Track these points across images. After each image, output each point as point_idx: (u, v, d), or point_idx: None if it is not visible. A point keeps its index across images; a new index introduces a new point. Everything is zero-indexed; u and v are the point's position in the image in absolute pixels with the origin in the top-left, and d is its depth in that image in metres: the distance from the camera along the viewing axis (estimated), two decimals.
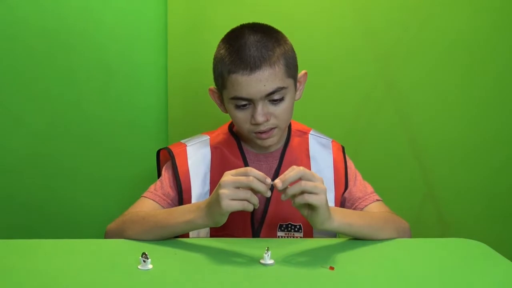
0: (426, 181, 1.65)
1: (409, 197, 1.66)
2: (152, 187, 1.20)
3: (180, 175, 1.17)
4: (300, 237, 1.18)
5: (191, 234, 1.17)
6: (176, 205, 1.18)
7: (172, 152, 1.20)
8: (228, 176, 0.96)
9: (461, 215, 1.67)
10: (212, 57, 1.18)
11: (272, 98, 1.10)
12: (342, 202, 1.22)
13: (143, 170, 1.56)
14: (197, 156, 1.19)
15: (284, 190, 0.96)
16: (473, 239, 1.11)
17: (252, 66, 1.07)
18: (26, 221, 1.59)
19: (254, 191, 0.95)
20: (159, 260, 0.95)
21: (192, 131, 1.30)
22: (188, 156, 1.19)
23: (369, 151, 1.61)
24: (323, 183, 0.96)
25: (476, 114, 1.63)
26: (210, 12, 1.51)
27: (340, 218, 1.03)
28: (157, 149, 1.27)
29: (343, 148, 1.27)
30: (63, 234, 1.53)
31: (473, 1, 1.55)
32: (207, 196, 1.17)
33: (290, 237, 1.18)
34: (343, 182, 1.22)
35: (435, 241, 1.12)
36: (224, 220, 0.98)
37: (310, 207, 0.97)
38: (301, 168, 0.95)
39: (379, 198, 1.22)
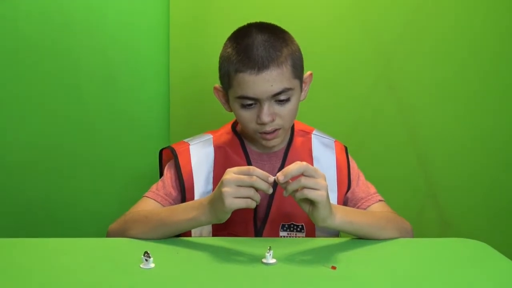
0: (427, 181, 1.65)
1: (411, 197, 1.65)
2: (154, 187, 1.20)
3: (183, 174, 1.17)
4: (302, 237, 1.18)
5: (193, 233, 1.17)
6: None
7: (175, 151, 1.20)
8: (230, 174, 0.96)
9: (462, 215, 1.67)
10: (214, 55, 1.18)
11: (279, 98, 1.10)
12: (344, 202, 1.22)
13: (145, 169, 1.56)
14: (200, 155, 1.19)
15: (286, 185, 0.96)
16: (474, 239, 1.11)
17: (260, 66, 1.07)
18: (28, 220, 1.59)
19: (256, 188, 0.96)
20: (161, 259, 0.95)
21: (194, 130, 1.30)
22: (191, 155, 1.19)
23: (370, 150, 1.61)
24: (325, 180, 0.96)
25: (478, 114, 1.63)
26: (212, 10, 1.51)
27: (342, 216, 1.03)
28: (159, 148, 1.27)
29: (346, 148, 1.27)
30: (65, 233, 1.54)
31: (474, 2, 1.55)
32: None
33: (293, 237, 1.18)
34: (345, 182, 1.23)
35: (436, 241, 1.12)
36: (226, 217, 0.99)
37: (311, 203, 0.97)
38: (304, 163, 0.95)
39: (381, 199, 1.22)
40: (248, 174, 0.95)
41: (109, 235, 1.13)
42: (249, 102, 1.10)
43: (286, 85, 1.09)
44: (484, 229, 1.65)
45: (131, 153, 1.58)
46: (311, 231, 1.18)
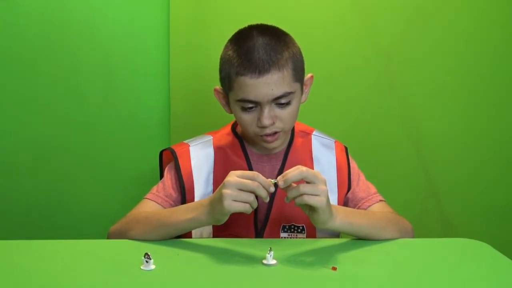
0: (428, 181, 1.65)
1: (412, 196, 1.65)
2: (154, 189, 1.20)
3: (183, 175, 1.17)
4: (303, 238, 1.18)
5: (194, 234, 1.17)
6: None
7: (175, 152, 1.20)
8: (233, 177, 0.96)
9: (463, 215, 1.67)
10: (214, 56, 1.17)
11: (279, 102, 1.09)
12: (345, 203, 1.22)
13: (146, 170, 1.56)
14: (200, 157, 1.19)
15: (287, 189, 0.96)
16: (475, 239, 1.11)
17: (261, 69, 1.06)
18: (28, 222, 1.59)
19: (256, 195, 0.96)
20: (162, 260, 0.95)
21: (195, 132, 1.30)
22: (191, 156, 1.19)
23: (371, 151, 1.61)
24: (325, 184, 0.96)
25: (479, 113, 1.63)
26: (212, 10, 1.51)
27: (342, 217, 1.03)
28: (160, 149, 1.27)
29: (346, 148, 1.27)
30: (66, 235, 1.54)
31: (474, 2, 1.55)
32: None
33: (293, 238, 1.18)
34: (346, 183, 1.22)
35: (437, 241, 1.12)
36: (224, 219, 0.99)
37: (311, 207, 0.97)
38: (304, 169, 0.95)
39: (382, 199, 1.21)
40: (252, 179, 0.95)
41: (109, 236, 1.13)
42: (250, 105, 1.10)
43: (287, 89, 1.09)
44: (485, 229, 1.65)
45: (131, 154, 1.58)
46: (311, 232, 1.18)
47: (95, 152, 1.57)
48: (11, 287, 0.86)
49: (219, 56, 1.16)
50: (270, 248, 0.96)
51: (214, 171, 1.18)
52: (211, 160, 1.19)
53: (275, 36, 1.11)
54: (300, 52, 1.15)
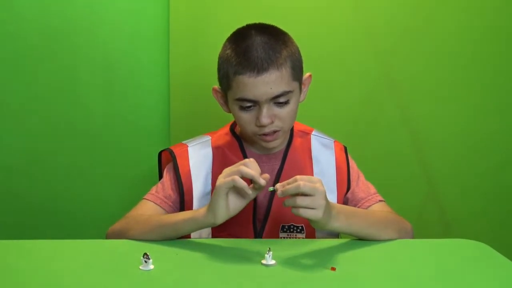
0: (428, 181, 1.65)
1: (411, 196, 1.65)
2: (153, 189, 1.20)
3: (181, 176, 1.17)
4: (302, 238, 1.18)
5: (193, 234, 1.16)
6: (177, 207, 1.18)
7: (173, 152, 1.20)
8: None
9: (463, 215, 1.67)
10: (214, 56, 1.17)
11: (278, 101, 1.09)
12: (344, 203, 1.22)
13: (145, 170, 1.56)
14: (198, 157, 1.19)
15: (285, 199, 0.97)
16: (475, 239, 1.11)
17: (259, 68, 1.06)
18: (27, 222, 1.59)
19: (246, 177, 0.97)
20: (161, 260, 0.95)
21: (194, 131, 1.30)
22: (190, 156, 1.19)
23: (370, 150, 1.61)
24: (324, 198, 0.96)
25: (478, 113, 1.63)
26: (212, 10, 1.51)
27: (342, 219, 1.03)
28: (159, 150, 1.27)
29: (345, 148, 1.27)
30: (64, 235, 1.54)
31: (474, 1, 1.55)
32: (209, 197, 1.17)
33: (292, 238, 1.18)
34: (345, 183, 1.22)
35: (436, 241, 1.12)
36: (222, 212, 0.98)
37: None
38: (302, 183, 0.94)
39: (382, 199, 1.21)
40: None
41: (108, 236, 1.13)
42: (248, 104, 1.10)
43: (285, 88, 1.09)
44: (485, 230, 1.65)
45: (131, 155, 1.58)
46: (311, 232, 1.18)
47: (94, 152, 1.57)
48: (10, 286, 0.86)
49: (218, 57, 1.16)
50: (269, 248, 0.96)
51: (212, 171, 1.18)
52: (210, 160, 1.19)
53: (273, 35, 1.11)
54: (299, 51, 1.15)
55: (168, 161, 1.23)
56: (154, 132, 1.58)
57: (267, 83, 1.07)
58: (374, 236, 1.08)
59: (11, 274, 0.90)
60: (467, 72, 1.60)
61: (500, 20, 1.57)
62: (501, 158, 1.66)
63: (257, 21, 1.17)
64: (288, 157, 1.20)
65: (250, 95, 1.08)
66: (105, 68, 1.53)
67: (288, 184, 0.96)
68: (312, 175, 1.20)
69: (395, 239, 1.10)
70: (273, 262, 0.96)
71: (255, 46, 1.08)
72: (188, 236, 1.15)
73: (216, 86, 1.19)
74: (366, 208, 1.19)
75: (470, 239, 1.12)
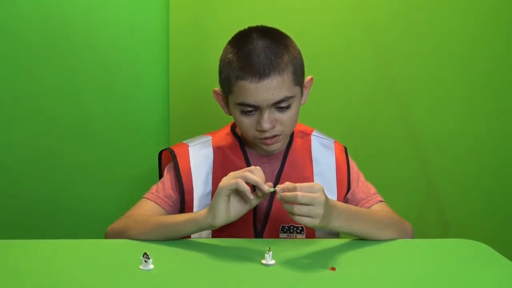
0: (427, 181, 1.65)
1: (411, 196, 1.65)
2: (154, 188, 1.20)
3: (182, 176, 1.17)
4: (302, 238, 1.18)
5: (192, 235, 1.16)
6: (177, 207, 1.18)
7: (174, 152, 1.20)
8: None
9: (462, 215, 1.67)
10: (214, 55, 1.17)
11: (279, 105, 1.09)
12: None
13: (145, 170, 1.56)
14: (199, 157, 1.19)
15: (283, 204, 0.97)
16: (474, 239, 1.11)
17: (261, 74, 1.06)
18: (27, 221, 1.59)
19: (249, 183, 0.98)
20: (161, 260, 0.95)
21: (194, 132, 1.30)
22: (190, 156, 1.19)
23: (370, 150, 1.61)
24: (322, 208, 0.95)
25: (478, 113, 1.63)
26: (211, 10, 1.51)
27: (343, 220, 1.03)
28: (159, 149, 1.26)
29: (345, 149, 1.27)
30: (64, 234, 1.54)
31: (474, 1, 1.55)
32: (209, 197, 1.17)
33: (292, 238, 1.18)
34: (345, 183, 1.22)
35: (436, 241, 1.12)
36: (221, 215, 0.98)
37: None
38: (299, 195, 0.94)
39: (382, 199, 1.21)
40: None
41: (108, 235, 1.13)
42: (249, 108, 1.10)
43: (286, 93, 1.09)
44: (484, 230, 1.65)
45: (131, 155, 1.58)
46: (311, 232, 1.18)
47: (94, 152, 1.57)
48: (10, 286, 0.86)
49: (218, 57, 1.16)
50: (269, 248, 0.96)
51: (213, 171, 1.18)
52: (210, 160, 1.19)
53: (275, 39, 1.10)
54: (300, 55, 1.14)
55: (169, 160, 1.23)
56: (154, 132, 1.58)
57: (268, 88, 1.06)
58: (374, 236, 1.08)
59: (11, 274, 0.90)
60: (466, 72, 1.60)
61: (500, 20, 1.57)
62: (501, 158, 1.66)
63: (257, 21, 1.16)
64: (288, 158, 1.20)
65: (251, 100, 1.08)
66: (105, 68, 1.53)
67: (288, 190, 0.96)
68: (312, 175, 1.20)
69: (395, 239, 1.10)
70: (273, 262, 0.96)
71: (256, 51, 1.07)
72: (188, 236, 1.15)
73: (217, 88, 1.18)
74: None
75: (470, 239, 1.12)
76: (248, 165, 1.18)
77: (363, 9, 1.53)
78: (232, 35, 1.16)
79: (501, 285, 0.92)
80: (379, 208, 1.19)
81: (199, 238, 1.16)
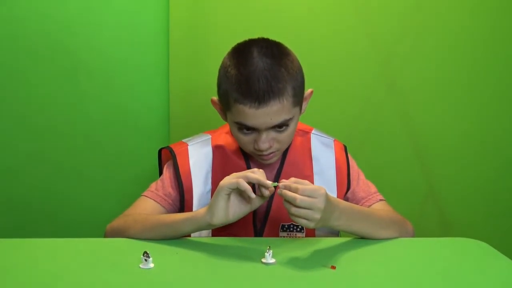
0: (427, 181, 1.65)
1: (411, 196, 1.65)
2: (153, 186, 1.20)
3: (181, 175, 1.17)
4: (302, 237, 1.18)
5: (192, 234, 1.16)
6: (177, 205, 1.18)
7: (173, 151, 1.20)
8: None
9: (462, 215, 1.67)
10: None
11: (277, 127, 1.09)
12: None
13: (144, 170, 1.57)
14: (198, 156, 1.19)
15: (283, 202, 0.98)
16: (475, 239, 1.11)
17: (260, 100, 1.04)
18: (27, 221, 1.59)
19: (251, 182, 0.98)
20: (161, 259, 0.95)
21: (194, 132, 1.30)
22: (190, 155, 1.19)
23: (371, 151, 1.61)
24: (320, 213, 0.95)
25: (478, 114, 1.63)
26: (211, 13, 1.51)
27: (344, 219, 1.03)
28: (159, 148, 1.27)
29: (345, 147, 1.27)
30: (64, 234, 1.54)
31: (474, 1, 1.55)
32: (209, 196, 1.17)
33: (292, 237, 1.18)
34: (345, 182, 1.22)
35: (436, 240, 1.12)
36: (220, 214, 0.98)
37: None
38: (298, 199, 0.94)
39: (382, 198, 1.21)
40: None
41: (107, 233, 1.13)
42: (247, 130, 1.10)
43: (285, 116, 1.08)
44: (484, 228, 1.66)
45: (130, 154, 1.58)
46: (311, 230, 1.18)
47: (94, 151, 1.57)
48: (9, 285, 0.86)
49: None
50: (269, 246, 0.96)
51: (212, 170, 1.18)
52: (210, 159, 1.19)
53: (275, 58, 1.08)
54: (301, 72, 1.12)
55: (168, 158, 1.23)
56: (154, 133, 1.58)
57: (267, 114, 1.06)
58: (374, 235, 1.09)
59: (11, 274, 0.90)
60: (468, 74, 1.60)
61: (502, 22, 1.57)
62: (501, 159, 1.66)
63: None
64: (288, 157, 1.20)
65: (249, 123, 1.07)
66: (105, 70, 1.53)
67: (290, 188, 0.96)
68: (312, 174, 1.20)
69: (395, 238, 1.10)
70: (273, 260, 0.96)
71: (256, 74, 1.05)
72: (188, 235, 1.15)
73: (215, 97, 1.17)
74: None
75: (469, 238, 1.12)
76: (248, 163, 1.18)
77: (364, 9, 1.53)
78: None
79: (502, 283, 0.92)
80: (380, 207, 1.19)
81: (199, 237, 1.17)
